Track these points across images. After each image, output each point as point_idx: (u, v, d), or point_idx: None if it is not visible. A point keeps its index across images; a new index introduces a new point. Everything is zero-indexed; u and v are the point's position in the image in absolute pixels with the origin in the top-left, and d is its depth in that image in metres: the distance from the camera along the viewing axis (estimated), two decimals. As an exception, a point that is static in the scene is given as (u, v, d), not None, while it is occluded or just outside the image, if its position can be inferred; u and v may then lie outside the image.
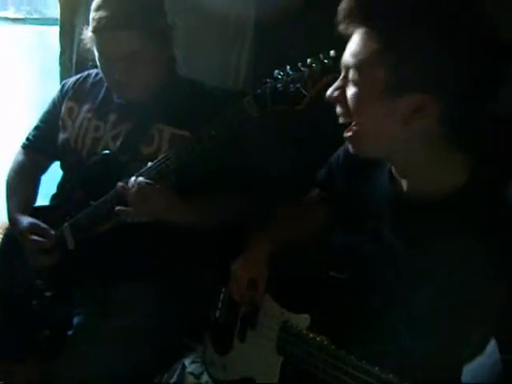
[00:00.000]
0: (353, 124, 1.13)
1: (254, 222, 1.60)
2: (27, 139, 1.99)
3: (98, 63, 1.72)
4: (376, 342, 1.13)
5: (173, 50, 1.76)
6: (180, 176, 1.56)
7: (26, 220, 1.76)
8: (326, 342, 1.20)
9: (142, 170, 1.55)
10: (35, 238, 1.72)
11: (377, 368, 1.08)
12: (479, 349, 1.15)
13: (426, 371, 1.08)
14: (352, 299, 1.24)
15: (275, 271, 1.44)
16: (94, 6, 1.64)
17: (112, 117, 1.79)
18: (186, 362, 1.78)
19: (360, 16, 1.07)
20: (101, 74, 1.84)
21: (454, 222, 1.09)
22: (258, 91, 1.40)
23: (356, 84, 1.09)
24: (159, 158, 1.55)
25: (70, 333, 1.72)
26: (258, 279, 1.42)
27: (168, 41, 1.71)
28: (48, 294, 1.75)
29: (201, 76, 1.89)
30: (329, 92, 1.15)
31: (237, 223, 1.64)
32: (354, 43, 1.09)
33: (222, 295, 1.54)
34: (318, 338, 1.22)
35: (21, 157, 1.98)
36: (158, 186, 1.52)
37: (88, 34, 1.68)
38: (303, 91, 1.31)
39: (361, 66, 1.07)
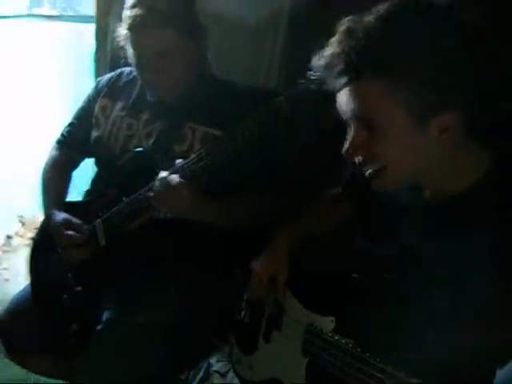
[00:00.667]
0: (377, 171, 1.12)
1: (280, 220, 1.60)
2: (61, 135, 2.01)
3: (131, 61, 1.73)
4: (400, 346, 1.13)
5: (205, 50, 1.77)
6: (211, 175, 1.58)
7: (60, 215, 1.78)
8: (350, 345, 1.20)
9: (174, 168, 1.56)
10: (69, 232, 1.73)
11: (403, 372, 1.08)
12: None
13: (453, 374, 1.07)
14: (376, 302, 1.23)
15: (300, 273, 1.45)
16: (128, 3, 1.66)
17: (145, 115, 1.80)
18: (212, 360, 1.80)
19: (355, 71, 1.06)
20: (134, 72, 1.86)
21: (474, 221, 1.08)
22: (291, 91, 1.41)
23: (380, 129, 1.07)
24: (192, 156, 1.55)
25: (98, 328, 1.72)
26: (277, 276, 1.43)
27: (201, 40, 1.72)
28: (78, 288, 1.76)
29: (233, 76, 1.90)
30: (348, 149, 1.13)
31: (264, 223, 1.65)
32: (358, 95, 1.07)
33: (245, 295, 1.55)
34: (343, 341, 1.22)
35: (55, 152, 2.01)
36: (187, 184, 1.53)
37: (122, 31, 1.69)
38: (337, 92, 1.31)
39: (378, 112, 1.06)
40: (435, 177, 1.15)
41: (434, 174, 1.15)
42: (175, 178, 1.53)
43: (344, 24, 1.08)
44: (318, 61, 1.11)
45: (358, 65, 1.05)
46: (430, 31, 1.03)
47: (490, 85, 1.05)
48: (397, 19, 1.04)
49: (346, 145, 1.13)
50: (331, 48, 1.08)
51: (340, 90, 1.10)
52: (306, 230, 1.50)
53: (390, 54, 1.02)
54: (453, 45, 1.02)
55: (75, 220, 1.77)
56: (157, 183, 1.54)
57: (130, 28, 1.65)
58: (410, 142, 1.08)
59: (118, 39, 1.72)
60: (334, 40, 1.08)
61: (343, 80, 1.08)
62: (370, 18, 1.05)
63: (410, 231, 1.22)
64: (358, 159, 1.14)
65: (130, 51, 1.71)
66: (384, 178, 1.13)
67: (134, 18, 1.62)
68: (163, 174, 1.55)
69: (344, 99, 1.10)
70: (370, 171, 1.14)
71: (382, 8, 1.06)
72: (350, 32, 1.06)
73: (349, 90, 1.08)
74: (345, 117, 1.12)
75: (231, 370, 1.72)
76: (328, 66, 1.09)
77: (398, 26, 1.03)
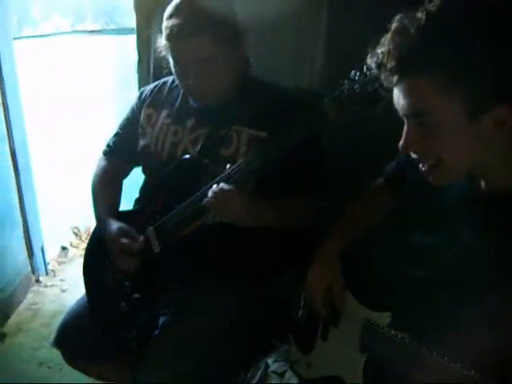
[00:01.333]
0: (433, 165, 1.13)
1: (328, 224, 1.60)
2: (108, 146, 2.05)
3: (172, 70, 1.76)
4: (456, 340, 1.12)
5: (245, 53, 1.78)
6: (260, 178, 1.58)
7: (115, 224, 1.80)
8: (407, 340, 1.20)
9: (223, 175, 1.58)
10: (125, 241, 1.75)
11: (458, 365, 1.08)
12: None
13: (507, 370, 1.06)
14: (432, 297, 1.23)
15: (355, 269, 1.45)
16: (166, 14, 1.68)
17: (190, 121, 1.82)
18: (269, 360, 1.81)
19: (408, 68, 1.06)
20: (177, 81, 1.89)
21: None
22: (336, 93, 1.41)
23: (435, 125, 1.08)
24: (240, 161, 1.57)
25: (155, 333, 1.75)
26: (334, 285, 1.44)
27: (239, 44, 1.73)
28: (136, 295, 1.79)
29: (275, 78, 1.90)
30: (404, 145, 1.14)
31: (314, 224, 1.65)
32: (411, 91, 1.08)
33: (303, 295, 1.55)
34: (400, 336, 1.22)
35: (103, 163, 2.04)
36: (238, 191, 1.55)
37: (162, 42, 1.71)
38: (381, 91, 1.31)
39: (431, 108, 1.07)
40: (492, 168, 1.15)
41: (490, 166, 1.14)
42: (227, 187, 1.55)
43: (396, 21, 1.08)
44: (372, 59, 1.12)
45: (410, 62, 1.05)
46: (481, 25, 1.02)
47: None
48: (447, 15, 1.04)
49: (402, 141, 1.14)
50: (384, 46, 1.09)
51: (394, 87, 1.11)
52: (353, 229, 1.51)
53: (441, 50, 1.03)
54: (503, 37, 1.02)
55: (131, 229, 1.79)
56: (210, 194, 1.56)
57: (168, 38, 1.67)
58: (465, 137, 1.08)
59: (159, 50, 1.75)
60: (386, 38, 1.09)
61: (396, 77, 1.08)
62: (421, 15, 1.05)
63: (465, 225, 1.21)
64: (414, 155, 1.15)
65: (170, 60, 1.74)
66: (440, 172, 1.14)
67: (172, 28, 1.64)
68: (214, 186, 1.56)
69: (398, 96, 1.11)
70: (426, 166, 1.15)
71: (432, 4, 1.06)
72: (402, 29, 1.06)
73: (402, 87, 1.09)
74: (400, 113, 1.13)
75: (288, 370, 1.73)
76: (381, 64, 1.10)
77: (449, 22, 1.03)
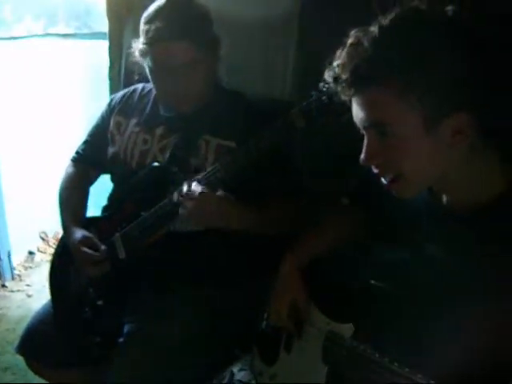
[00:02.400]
0: (393, 179, 1.14)
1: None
2: (77, 153, 2.04)
3: (149, 75, 1.75)
4: (418, 352, 1.13)
5: (218, 62, 1.78)
6: (228, 187, 1.59)
7: (79, 232, 1.80)
8: (369, 351, 1.21)
9: (191, 180, 1.57)
10: (86, 250, 1.75)
11: (419, 375, 1.08)
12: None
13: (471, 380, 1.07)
14: (394, 309, 1.23)
15: (318, 282, 1.46)
16: (145, 18, 1.68)
17: (159, 130, 1.82)
18: (235, 369, 1.81)
19: (364, 80, 1.08)
20: (148, 88, 1.89)
21: (495, 233, 1.08)
22: (304, 104, 1.43)
23: (393, 136, 1.09)
24: (208, 169, 1.58)
25: (120, 340, 1.73)
26: (298, 298, 1.44)
27: (216, 52, 1.74)
28: (100, 302, 1.78)
29: (245, 88, 1.91)
30: (364, 158, 1.14)
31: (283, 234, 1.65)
32: (368, 103, 1.09)
33: (267, 307, 1.55)
34: (362, 347, 1.23)
35: (70, 169, 2.03)
36: (217, 193, 1.55)
37: (138, 46, 1.70)
38: (347, 103, 1.32)
39: (389, 118, 1.08)
40: (454, 182, 1.15)
41: (453, 182, 1.15)
42: (199, 188, 1.54)
43: (351, 35, 1.10)
44: (328, 73, 1.14)
45: (364, 74, 1.06)
46: (434, 37, 1.04)
47: (500, 86, 1.06)
48: (400, 28, 1.06)
49: (362, 154, 1.15)
50: (339, 59, 1.10)
51: (352, 99, 1.12)
52: (317, 245, 1.51)
53: (393, 61, 1.04)
54: (455, 48, 1.04)
55: (94, 239, 1.79)
56: (182, 198, 1.56)
57: (149, 42, 1.66)
58: (424, 147, 1.09)
59: (134, 54, 1.73)
60: (342, 52, 1.10)
61: (353, 90, 1.10)
62: (374, 28, 1.07)
63: (427, 238, 1.22)
64: (374, 168, 1.16)
65: (147, 65, 1.72)
66: (401, 186, 1.15)
67: (154, 32, 1.63)
68: (185, 187, 1.56)
69: (357, 109, 1.12)
70: (387, 180, 1.16)
71: (386, 19, 1.08)
72: (356, 43, 1.08)
73: (360, 99, 1.10)
74: (359, 126, 1.14)
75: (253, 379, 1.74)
76: (338, 78, 1.11)
77: (402, 34, 1.05)
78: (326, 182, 1.93)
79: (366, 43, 1.06)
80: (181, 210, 1.57)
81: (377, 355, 1.18)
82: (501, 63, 1.08)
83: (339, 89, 1.12)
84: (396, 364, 1.13)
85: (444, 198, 1.20)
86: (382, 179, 1.17)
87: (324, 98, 1.39)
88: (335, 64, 1.11)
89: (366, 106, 1.10)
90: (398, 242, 1.30)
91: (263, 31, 2.14)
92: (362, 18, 1.12)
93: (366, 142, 1.14)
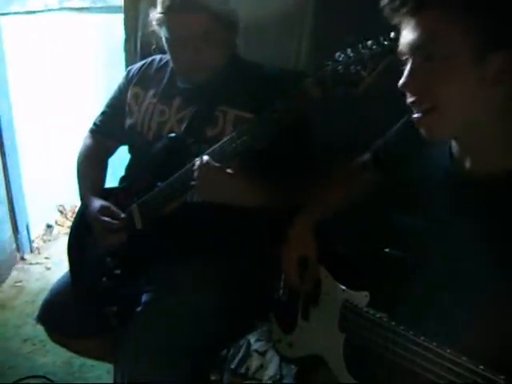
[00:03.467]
0: (428, 110, 1.11)
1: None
2: (94, 124, 2.05)
3: (165, 45, 1.75)
4: (432, 319, 1.13)
5: (236, 35, 1.79)
6: (245, 158, 1.59)
7: (97, 202, 1.82)
8: (385, 319, 1.21)
9: (207, 152, 1.58)
10: (105, 218, 1.77)
11: (435, 343, 1.09)
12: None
13: (484, 348, 1.06)
14: (409, 276, 1.24)
15: (333, 250, 1.47)
16: None
17: (176, 101, 1.82)
18: (252, 339, 1.83)
19: (416, 3, 1.07)
20: (165, 60, 1.88)
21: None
22: (319, 73, 1.41)
23: (440, 58, 1.07)
24: (224, 140, 1.57)
25: (138, 310, 1.76)
26: (307, 255, 1.45)
27: (233, 25, 1.74)
28: (117, 271, 1.79)
29: (262, 59, 1.90)
30: (406, 83, 1.12)
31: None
32: (418, 26, 1.07)
33: (283, 275, 1.57)
34: (378, 315, 1.23)
35: (89, 141, 2.04)
36: (227, 169, 1.55)
37: (156, 15, 1.71)
38: (363, 73, 1.32)
39: (437, 43, 1.06)
40: (483, 142, 1.13)
41: (481, 138, 1.12)
42: (211, 162, 1.54)
43: None
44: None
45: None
46: None
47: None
48: None
49: (403, 78, 1.13)
50: None
51: (403, 22, 1.11)
52: (328, 204, 1.52)
53: None
54: None
55: (112, 207, 1.80)
56: (195, 172, 1.56)
57: (165, 11, 1.66)
58: (466, 78, 1.06)
59: (151, 23, 1.74)
60: None
61: (404, 12, 1.09)
62: None
63: (444, 206, 1.21)
64: (410, 97, 1.14)
65: (164, 35, 1.73)
66: (434, 119, 1.12)
67: (170, 1, 1.64)
68: (198, 161, 1.56)
69: (407, 32, 1.10)
70: (419, 114, 1.13)
71: None
72: None
73: (410, 22, 1.09)
74: (405, 52, 1.12)
75: (270, 349, 1.75)
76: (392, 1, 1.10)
77: None
78: (338, 157, 1.93)
79: None
80: (194, 182, 1.58)
81: (393, 323, 1.19)
82: None
83: (391, 12, 1.11)
84: (411, 332, 1.14)
85: (466, 164, 1.18)
86: (415, 113, 1.14)
87: (340, 67, 1.38)
88: None
89: (420, 27, 1.08)
90: (412, 210, 1.30)
91: (280, 6, 2.13)
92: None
93: (408, 67, 1.12)
